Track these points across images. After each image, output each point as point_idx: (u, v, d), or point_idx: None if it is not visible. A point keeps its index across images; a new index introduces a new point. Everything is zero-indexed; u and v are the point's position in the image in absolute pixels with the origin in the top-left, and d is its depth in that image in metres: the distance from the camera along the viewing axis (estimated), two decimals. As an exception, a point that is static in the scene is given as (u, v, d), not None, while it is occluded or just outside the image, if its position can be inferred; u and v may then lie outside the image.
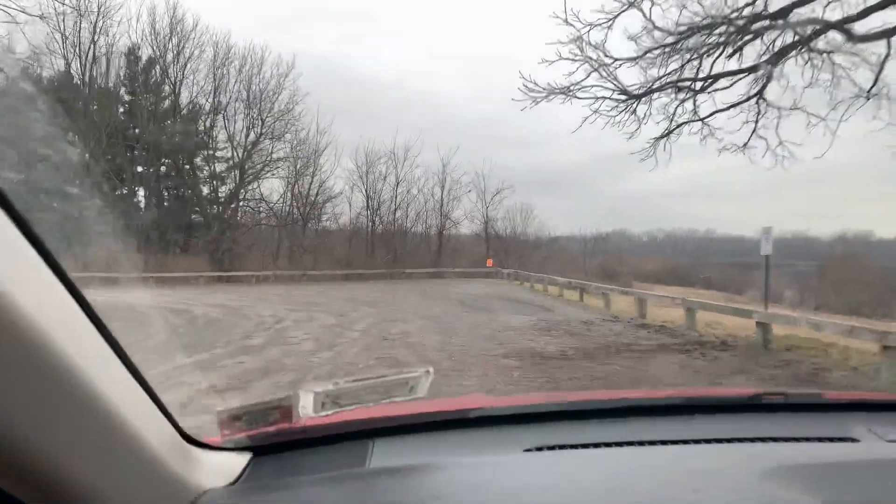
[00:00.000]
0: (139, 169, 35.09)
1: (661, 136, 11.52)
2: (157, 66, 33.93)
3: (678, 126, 11.28)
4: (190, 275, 27.69)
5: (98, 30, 30.94)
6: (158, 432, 0.84)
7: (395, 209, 37.09)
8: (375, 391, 1.22)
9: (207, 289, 24.14)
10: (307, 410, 1.15)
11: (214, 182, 36.26)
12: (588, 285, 18.63)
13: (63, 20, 30.15)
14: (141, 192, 35.86)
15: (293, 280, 28.38)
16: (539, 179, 62.84)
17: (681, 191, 66.07)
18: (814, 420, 1.44)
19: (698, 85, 11.24)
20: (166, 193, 36.86)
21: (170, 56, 33.14)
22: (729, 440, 1.25)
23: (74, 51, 30.90)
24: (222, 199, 35.67)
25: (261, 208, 35.49)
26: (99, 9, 30.69)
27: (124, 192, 34.71)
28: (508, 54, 65.02)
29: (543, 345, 9.94)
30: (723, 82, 11.52)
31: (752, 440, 1.25)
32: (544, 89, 11.09)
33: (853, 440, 1.28)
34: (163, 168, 36.37)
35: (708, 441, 1.24)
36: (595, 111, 12.54)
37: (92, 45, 31.11)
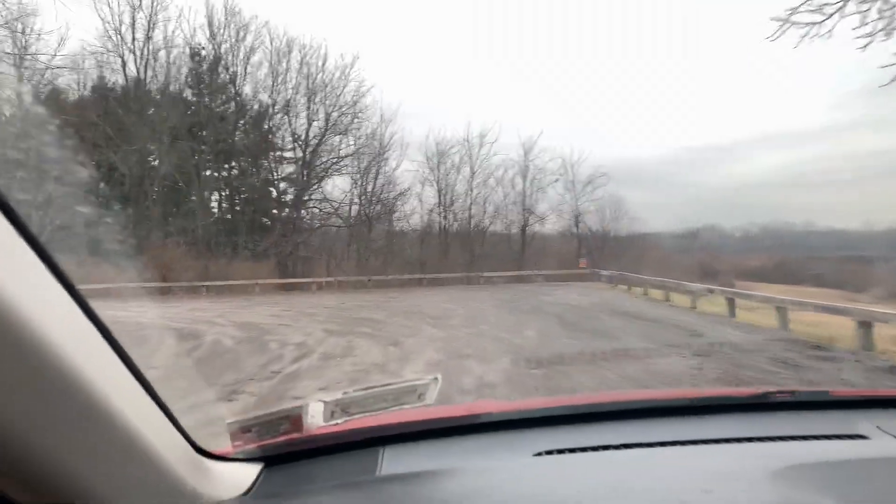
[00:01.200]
0: (207, 173, 32.33)
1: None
2: (219, 64, 30.96)
3: None
4: (247, 283, 24.31)
5: (152, 24, 28.18)
6: (170, 443, 0.81)
7: (471, 204, 32.13)
8: (384, 399, 1.19)
9: (257, 299, 20.38)
10: (317, 420, 1.13)
11: (281, 183, 33.08)
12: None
13: (119, 18, 27.72)
14: (207, 197, 33.07)
15: (357, 287, 24.26)
16: (620, 171, 55.62)
17: (776, 181, 56.72)
18: (822, 418, 1.36)
19: None
20: (237, 198, 34.05)
21: (227, 47, 29.93)
22: (738, 440, 1.19)
23: (130, 49, 28.32)
24: (288, 202, 32.31)
25: (327, 209, 31.70)
26: (152, 2, 27.98)
27: (193, 197, 32.07)
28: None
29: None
30: None
31: (761, 439, 1.19)
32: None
33: (862, 437, 1.21)
34: (234, 171, 33.68)
35: (717, 441, 1.19)
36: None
37: (148, 42, 28.41)
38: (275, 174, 32.94)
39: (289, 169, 32.65)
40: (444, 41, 57.09)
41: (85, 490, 0.64)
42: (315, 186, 31.60)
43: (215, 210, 32.85)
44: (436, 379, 1.22)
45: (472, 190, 32.09)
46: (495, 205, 32.56)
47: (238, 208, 33.36)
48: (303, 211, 31.25)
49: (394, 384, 1.21)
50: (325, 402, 1.14)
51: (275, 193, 33.04)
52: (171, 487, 0.77)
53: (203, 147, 31.51)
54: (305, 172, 31.27)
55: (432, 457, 1.14)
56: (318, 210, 31.55)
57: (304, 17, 54.88)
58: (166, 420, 0.82)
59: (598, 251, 30.30)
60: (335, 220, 30.81)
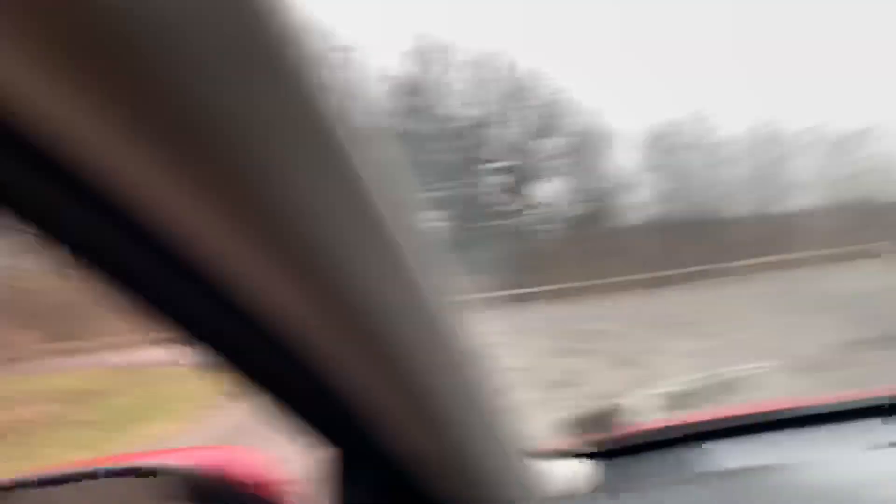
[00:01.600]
0: (424, 195, 33.43)
1: None
2: (423, 88, 31.82)
3: None
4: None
5: (354, 59, 29.79)
6: (514, 436, 0.80)
7: (705, 188, 27.64)
8: (709, 391, 1.02)
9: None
10: (641, 415, 1.20)
11: (496, 194, 32.83)
12: None
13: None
14: (425, 218, 34.08)
15: (585, 292, 21.95)
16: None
17: None
18: None
19: None
20: (456, 215, 34.70)
21: (428, 70, 30.53)
22: None
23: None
24: (504, 211, 31.83)
25: (544, 213, 30.45)
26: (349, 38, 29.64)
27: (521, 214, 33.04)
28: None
29: None
30: None
31: None
32: None
33: None
34: (450, 190, 34.41)
35: None
36: None
37: (348, 75, 30.14)
38: (488, 186, 32.80)
39: (501, 178, 32.21)
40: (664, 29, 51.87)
41: (467, 483, 0.65)
42: (530, 191, 30.67)
43: (437, 230, 33.72)
44: (766, 367, 1.00)
45: (703, 172, 27.64)
46: (735, 184, 27.54)
47: (457, 225, 33.83)
48: (519, 218, 30.49)
49: (717, 375, 0.95)
50: (649, 397, 0.95)
51: (490, 204, 32.81)
52: (512, 482, 0.77)
53: (419, 171, 32.60)
54: (518, 179, 30.58)
55: (754, 452, 1.09)
56: (535, 215, 30.44)
57: (500, 25, 54.43)
58: (510, 414, 0.81)
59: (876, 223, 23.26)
60: (554, 224, 29.33)
